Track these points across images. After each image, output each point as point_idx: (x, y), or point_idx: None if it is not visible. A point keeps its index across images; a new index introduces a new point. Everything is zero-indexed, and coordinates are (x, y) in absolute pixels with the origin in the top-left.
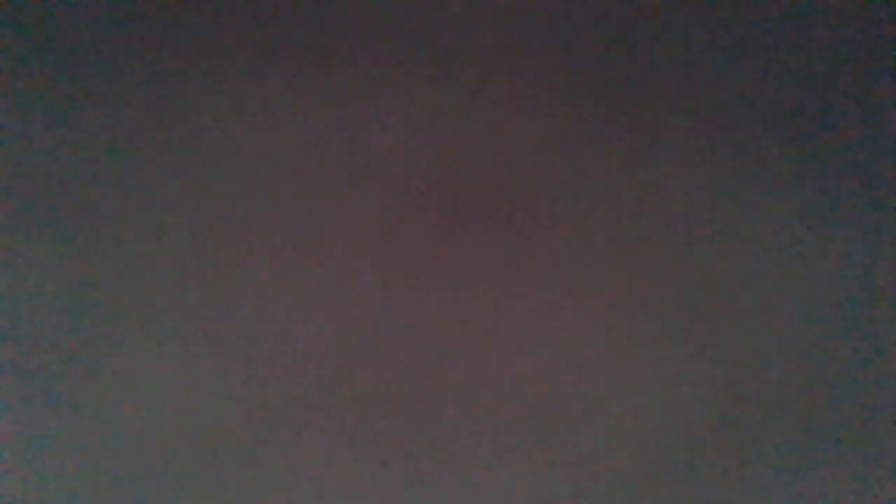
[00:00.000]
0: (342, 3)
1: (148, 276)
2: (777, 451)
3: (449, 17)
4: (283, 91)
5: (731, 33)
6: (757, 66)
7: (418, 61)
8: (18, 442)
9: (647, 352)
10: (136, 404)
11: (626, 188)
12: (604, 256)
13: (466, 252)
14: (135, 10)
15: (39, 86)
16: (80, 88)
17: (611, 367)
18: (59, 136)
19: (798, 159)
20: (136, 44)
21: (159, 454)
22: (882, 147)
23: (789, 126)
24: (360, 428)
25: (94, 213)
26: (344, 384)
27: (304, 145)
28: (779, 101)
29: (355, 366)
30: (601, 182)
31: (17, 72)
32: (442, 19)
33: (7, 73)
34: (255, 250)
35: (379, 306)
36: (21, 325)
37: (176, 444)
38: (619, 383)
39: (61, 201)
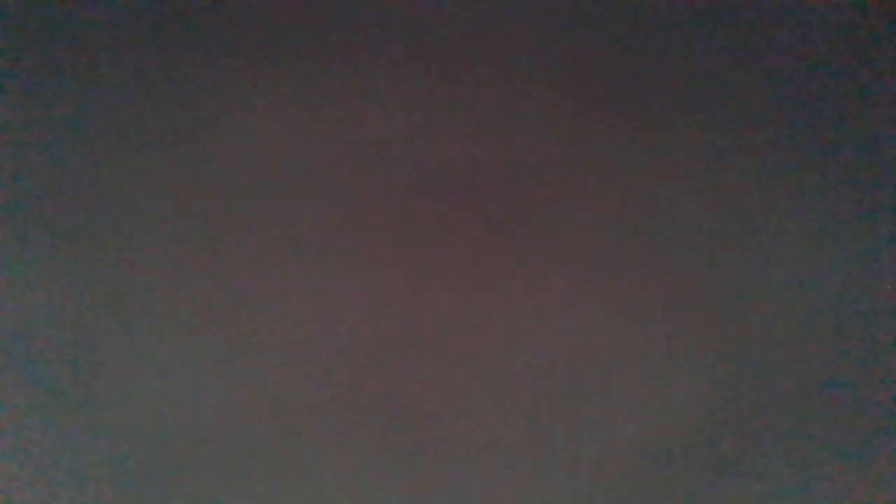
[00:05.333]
0: (342, 2)
1: (149, 278)
2: (779, 451)
3: (450, 16)
4: (284, 91)
5: (733, 34)
6: (759, 66)
7: (419, 61)
8: (18, 442)
9: (651, 352)
10: (137, 405)
11: (630, 188)
12: (608, 257)
13: (469, 252)
14: (134, 9)
15: (39, 85)
16: (79, 88)
17: (615, 368)
18: (59, 135)
19: (799, 159)
20: (136, 42)
21: (159, 455)
22: (882, 147)
23: (790, 126)
24: (362, 429)
25: (95, 213)
26: (348, 384)
27: (304, 145)
28: (780, 100)
29: (359, 366)
30: (606, 181)
31: (18, 72)
32: (442, 19)
33: (7, 72)
34: (256, 250)
35: (382, 305)
36: (21, 325)
37: (177, 445)
38: (622, 384)
39: (61, 201)
